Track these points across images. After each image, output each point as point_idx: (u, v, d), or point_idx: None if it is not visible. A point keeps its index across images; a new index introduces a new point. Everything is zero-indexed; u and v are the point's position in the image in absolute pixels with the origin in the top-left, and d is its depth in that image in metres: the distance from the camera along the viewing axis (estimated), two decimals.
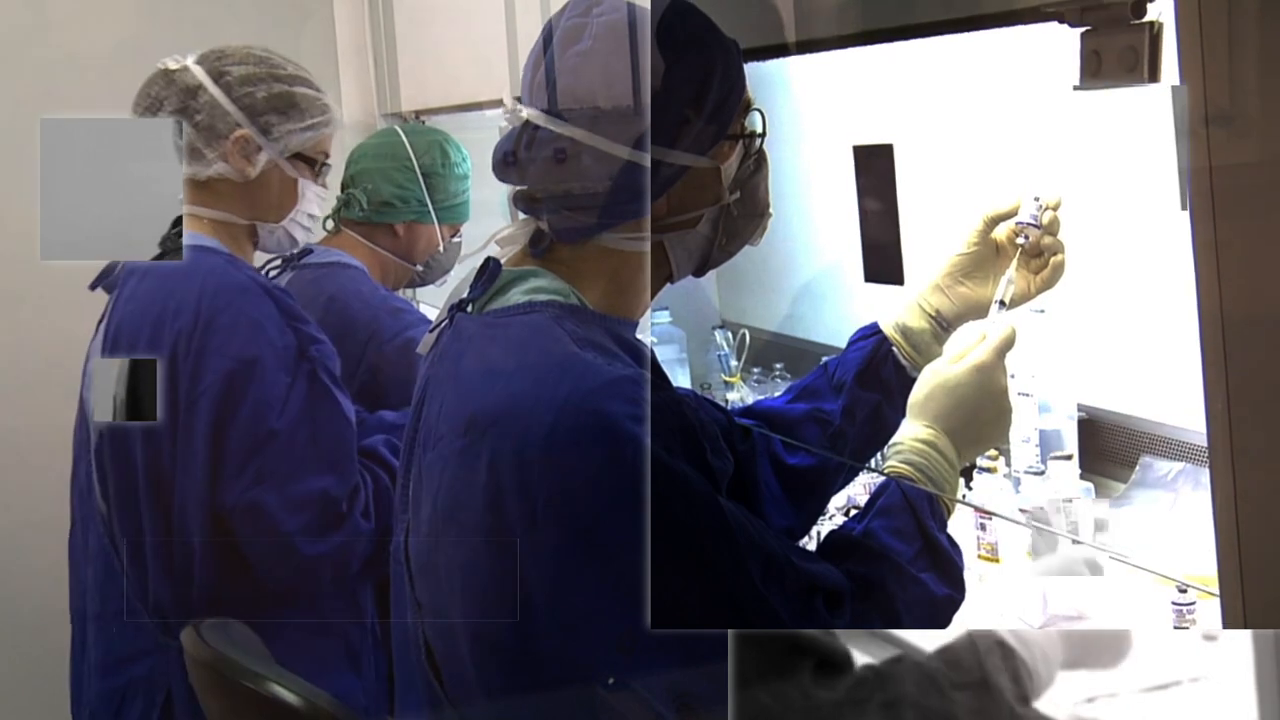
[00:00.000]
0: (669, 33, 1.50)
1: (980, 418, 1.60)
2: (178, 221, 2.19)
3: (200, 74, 2.18)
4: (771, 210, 1.62)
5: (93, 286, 2.23)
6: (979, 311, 1.77)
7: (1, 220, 3.03)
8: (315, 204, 2.27)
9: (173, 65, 2.20)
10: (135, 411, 2.07)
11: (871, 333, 1.82)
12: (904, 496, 1.54)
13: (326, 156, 2.28)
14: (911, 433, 1.59)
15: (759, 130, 1.58)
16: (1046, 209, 1.75)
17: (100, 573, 2.16)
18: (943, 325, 1.79)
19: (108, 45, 3.12)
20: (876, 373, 1.80)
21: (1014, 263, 1.75)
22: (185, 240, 2.15)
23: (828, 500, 1.92)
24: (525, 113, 1.52)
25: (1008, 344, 1.63)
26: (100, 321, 2.20)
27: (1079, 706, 1.39)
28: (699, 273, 1.63)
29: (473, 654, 1.47)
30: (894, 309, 1.81)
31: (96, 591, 2.18)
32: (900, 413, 1.66)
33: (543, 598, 1.39)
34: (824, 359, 1.87)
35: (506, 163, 1.53)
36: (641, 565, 1.35)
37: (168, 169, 2.18)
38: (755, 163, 1.58)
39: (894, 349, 1.79)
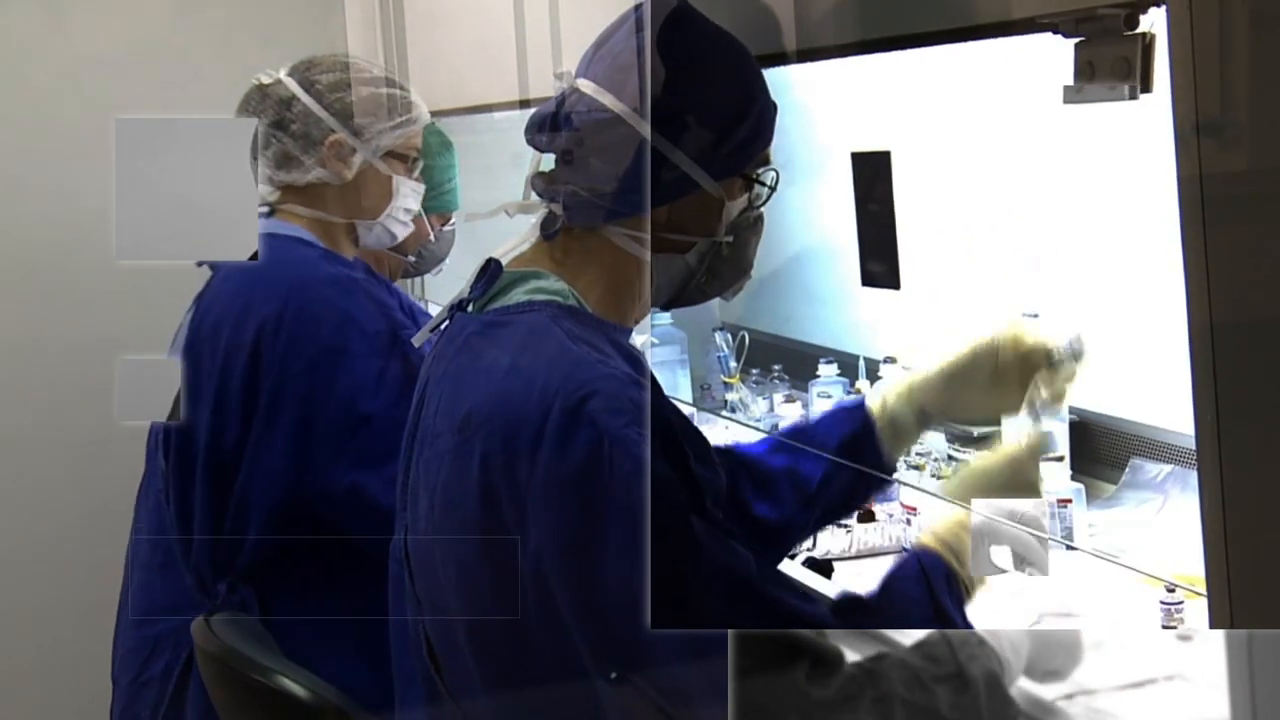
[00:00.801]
0: (669, 42, 1.51)
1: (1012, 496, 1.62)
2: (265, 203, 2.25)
3: (292, 85, 2.23)
4: (752, 274, 1.64)
5: (199, 264, 2.26)
6: (965, 410, 1.82)
7: (10, 216, 3.05)
8: (411, 198, 2.30)
9: (266, 80, 2.25)
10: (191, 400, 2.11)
11: (857, 407, 1.82)
12: (920, 567, 1.53)
13: (418, 151, 2.32)
14: (949, 517, 1.61)
15: (770, 184, 1.59)
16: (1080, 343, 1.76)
17: (154, 524, 2.21)
18: (926, 418, 1.80)
19: (121, 47, 3.12)
20: (859, 450, 1.80)
21: (1040, 375, 1.76)
22: (279, 229, 2.20)
23: (783, 557, 1.94)
24: (578, 82, 1.54)
25: (1042, 448, 1.69)
26: (197, 298, 2.23)
27: (1059, 702, 1.40)
28: (668, 305, 1.65)
29: (471, 649, 1.48)
30: (885, 388, 1.82)
31: (148, 541, 2.22)
32: (870, 490, 1.75)
33: (534, 594, 1.40)
34: (804, 415, 1.88)
35: (544, 124, 1.54)
36: (634, 563, 1.35)
37: (243, 169, 2.23)
38: (755, 219, 1.60)
39: (877, 432, 1.79)
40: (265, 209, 2.23)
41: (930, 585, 1.52)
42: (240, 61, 3.07)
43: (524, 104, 2.62)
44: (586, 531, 1.37)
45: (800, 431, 1.85)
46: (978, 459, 1.69)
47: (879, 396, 1.81)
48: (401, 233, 2.32)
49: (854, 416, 1.81)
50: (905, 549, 1.62)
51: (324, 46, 2.40)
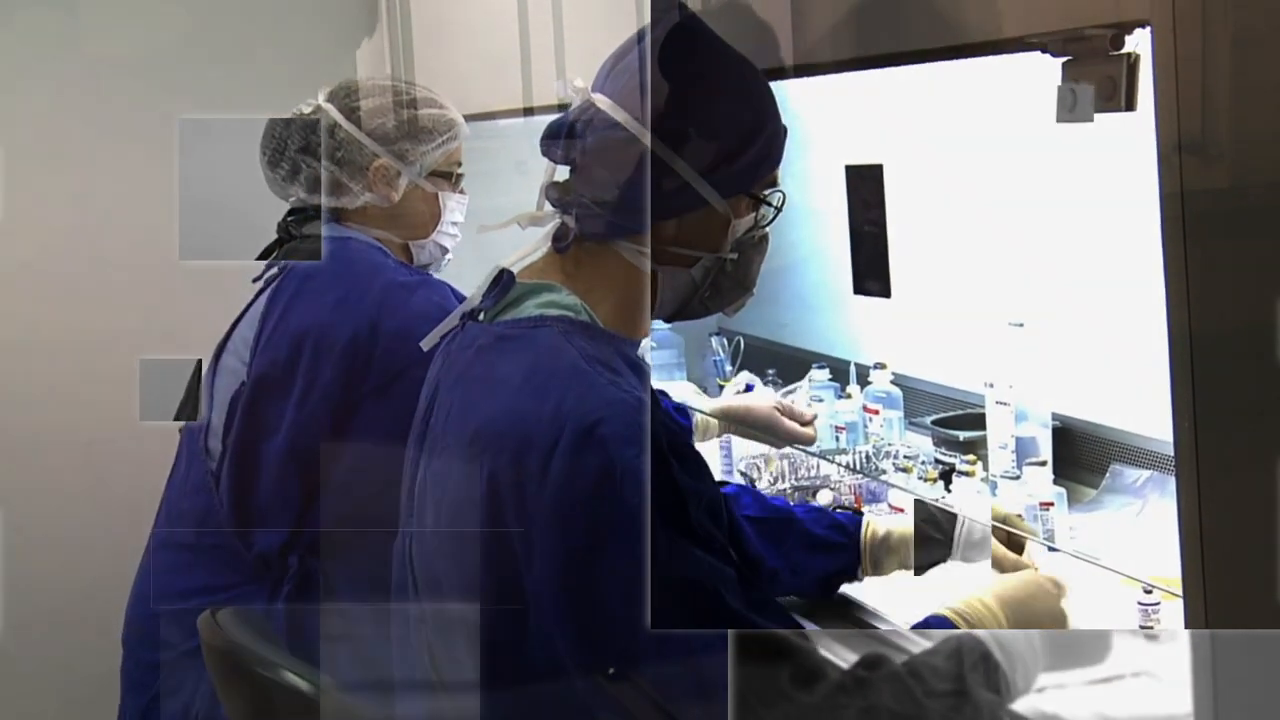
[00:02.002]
0: (680, 58, 1.51)
1: (1034, 605, 1.64)
2: (292, 211, 2.25)
3: (334, 112, 2.23)
4: (755, 292, 1.64)
5: (268, 263, 2.27)
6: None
7: (35, 220, 3.04)
8: (458, 212, 2.31)
9: (306, 109, 2.24)
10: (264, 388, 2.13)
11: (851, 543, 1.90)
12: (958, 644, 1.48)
13: (459, 165, 2.32)
14: (971, 593, 1.63)
15: (776, 205, 1.59)
16: None
17: (196, 509, 2.20)
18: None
19: (138, 51, 3.11)
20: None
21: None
22: (356, 235, 2.21)
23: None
24: (594, 96, 1.53)
25: (1065, 588, 1.70)
26: (269, 295, 2.23)
27: (1031, 697, 1.40)
28: (671, 318, 1.64)
29: (470, 655, 1.47)
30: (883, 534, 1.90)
31: (194, 523, 2.21)
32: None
33: (536, 608, 1.39)
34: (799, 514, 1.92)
35: (558, 136, 1.54)
36: (633, 584, 1.35)
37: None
38: (760, 238, 1.60)
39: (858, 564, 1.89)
40: (330, 215, 2.24)
41: (962, 663, 1.44)
42: (254, 67, 3.09)
43: (528, 111, 2.62)
44: (589, 555, 1.36)
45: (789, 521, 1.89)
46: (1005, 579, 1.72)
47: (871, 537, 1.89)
48: (452, 245, 2.32)
49: (844, 551, 1.89)
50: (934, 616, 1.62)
51: (334, 55, 2.39)
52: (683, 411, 2.26)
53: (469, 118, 2.39)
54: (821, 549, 1.87)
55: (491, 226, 1.65)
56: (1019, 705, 1.41)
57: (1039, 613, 1.64)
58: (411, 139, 2.24)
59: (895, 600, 1.88)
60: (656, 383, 1.79)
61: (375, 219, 2.24)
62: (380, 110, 2.25)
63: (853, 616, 1.90)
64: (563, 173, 1.57)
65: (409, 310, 2.10)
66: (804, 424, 2.40)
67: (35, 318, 3.09)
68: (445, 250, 2.32)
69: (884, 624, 1.85)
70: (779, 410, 2.41)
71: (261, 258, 2.28)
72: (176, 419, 2.31)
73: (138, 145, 2.99)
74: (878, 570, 1.89)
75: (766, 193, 1.58)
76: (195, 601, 2.15)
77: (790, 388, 2.66)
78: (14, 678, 3.09)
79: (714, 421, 2.43)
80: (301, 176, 2.22)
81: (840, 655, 1.41)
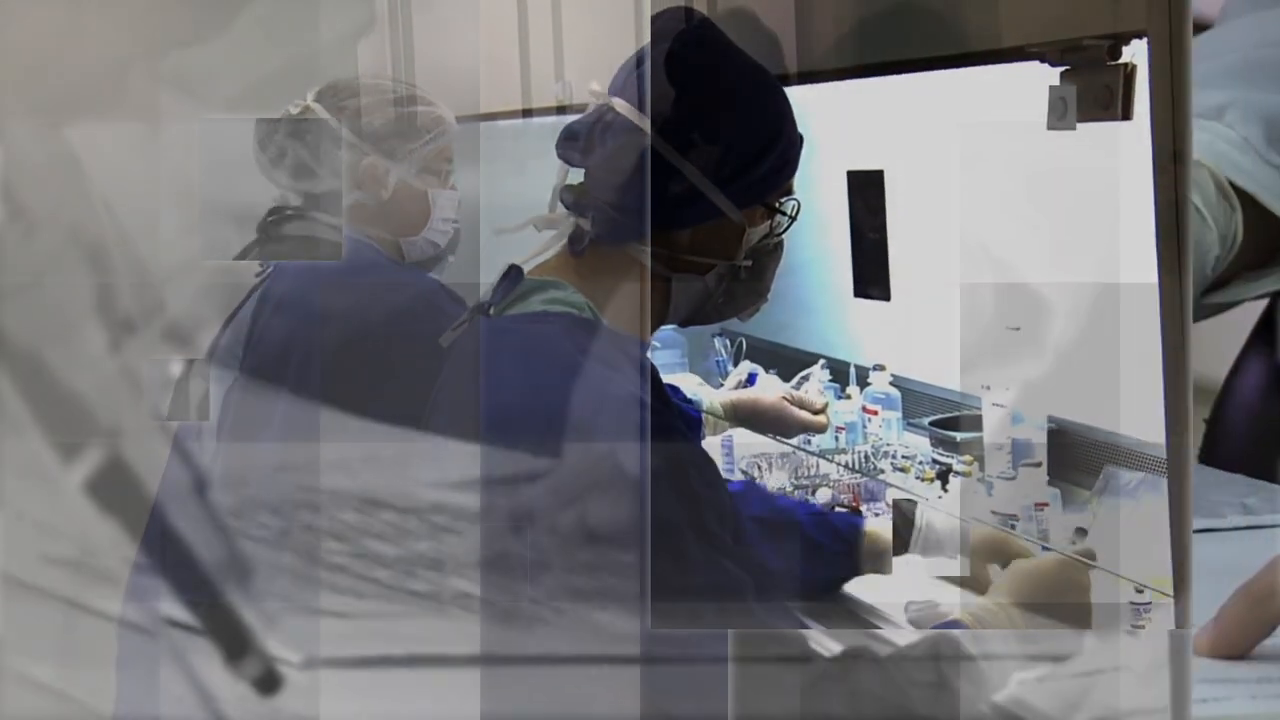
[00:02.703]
0: (698, 67, 1.51)
1: (1060, 602, 1.63)
2: (272, 210, 2.24)
3: (321, 112, 2.23)
4: (769, 298, 1.63)
5: (262, 262, 2.26)
6: None
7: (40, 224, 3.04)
8: (449, 208, 2.31)
9: (294, 110, 2.24)
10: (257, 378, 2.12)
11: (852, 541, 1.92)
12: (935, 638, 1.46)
13: (449, 162, 2.32)
14: (988, 598, 1.61)
15: (791, 214, 1.60)
16: None
17: (194, 501, 2.20)
18: None
19: (141, 48, 3.11)
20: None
21: None
22: (354, 234, 2.21)
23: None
24: (612, 100, 1.53)
25: (1090, 555, 1.68)
26: (259, 295, 2.23)
27: (1010, 689, 1.41)
28: (684, 324, 1.65)
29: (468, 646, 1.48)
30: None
31: (187, 518, 2.22)
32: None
33: (530, 599, 1.40)
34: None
35: (576, 138, 1.54)
36: (629, 575, 1.34)
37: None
38: (775, 245, 1.60)
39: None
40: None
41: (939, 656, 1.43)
42: (260, 65, 3.10)
43: (526, 113, 2.63)
44: (582, 548, 1.36)
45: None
46: (1029, 559, 1.72)
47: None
48: (444, 241, 2.32)
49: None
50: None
51: (336, 57, 2.39)
52: (693, 405, 2.27)
53: (472, 119, 2.39)
54: (822, 555, 1.88)
55: (508, 229, 1.65)
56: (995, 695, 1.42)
57: (1063, 609, 1.62)
58: (400, 137, 2.24)
59: (900, 598, 1.89)
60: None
61: (365, 216, 2.24)
62: (369, 108, 2.25)
63: (854, 616, 1.91)
64: (575, 175, 1.57)
65: (399, 306, 2.11)
66: (815, 412, 2.38)
67: (44, 318, 3.09)
68: (436, 246, 2.31)
69: (886, 624, 1.86)
70: (788, 400, 2.40)
71: (239, 258, 2.28)
72: (171, 419, 2.31)
73: (145, 145, 2.99)
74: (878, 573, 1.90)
75: (782, 201, 1.58)
76: (191, 594, 2.17)
77: (804, 373, 2.65)
78: (13, 670, 3.10)
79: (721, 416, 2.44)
80: (287, 161, 2.22)
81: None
